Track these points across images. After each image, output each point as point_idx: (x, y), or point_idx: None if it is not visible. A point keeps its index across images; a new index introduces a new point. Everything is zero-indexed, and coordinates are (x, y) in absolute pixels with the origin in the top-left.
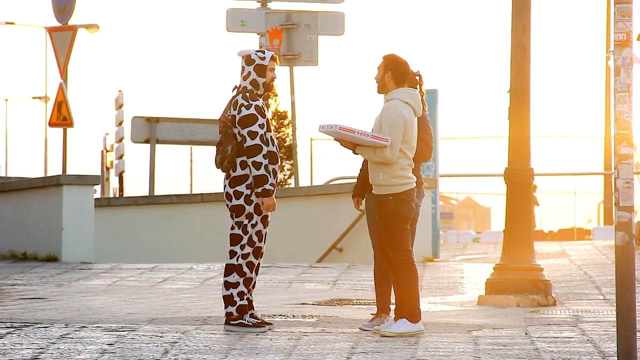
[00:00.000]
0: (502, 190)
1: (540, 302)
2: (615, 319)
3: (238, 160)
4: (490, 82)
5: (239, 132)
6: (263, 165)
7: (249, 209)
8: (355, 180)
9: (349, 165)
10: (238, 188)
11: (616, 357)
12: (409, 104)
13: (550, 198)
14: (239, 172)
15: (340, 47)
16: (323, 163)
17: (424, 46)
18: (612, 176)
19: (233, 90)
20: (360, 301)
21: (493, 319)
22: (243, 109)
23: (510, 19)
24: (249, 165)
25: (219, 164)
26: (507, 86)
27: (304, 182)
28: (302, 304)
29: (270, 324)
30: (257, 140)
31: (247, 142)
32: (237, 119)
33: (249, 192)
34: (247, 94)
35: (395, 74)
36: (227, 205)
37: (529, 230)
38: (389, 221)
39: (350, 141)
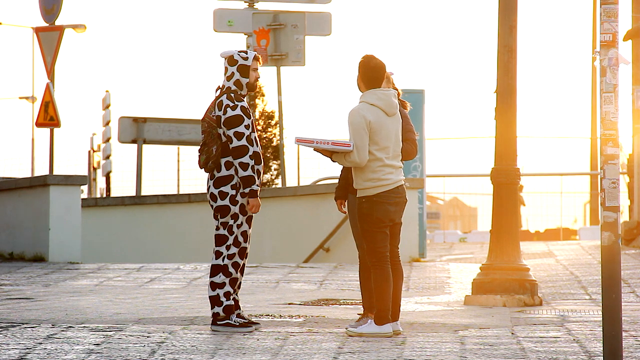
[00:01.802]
0: (489, 190)
1: (526, 302)
2: (601, 318)
3: (223, 160)
4: (476, 83)
5: (224, 133)
6: (250, 166)
7: (234, 209)
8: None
9: (336, 166)
10: (223, 189)
11: (602, 357)
12: (376, 105)
13: (536, 198)
14: (224, 172)
15: (327, 48)
16: (310, 163)
17: (411, 46)
18: (598, 176)
19: (216, 90)
20: (347, 301)
21: (479, 319)
22: (229, 109)
23: (497, 19)
24: (234, 166)
25: (203, 164)
26: (494, 86)
27: (291, 182)
28: (289, 304)
29: (257, 324)
30: (244, 141)
31: (233, 143)
32: (222, 119)
33: (234, 192)
34: (232, 95)
35: (362, 77)
36: (212, 206)
37: (516, 231)
38: (362, 223)
39: (320, 150)
